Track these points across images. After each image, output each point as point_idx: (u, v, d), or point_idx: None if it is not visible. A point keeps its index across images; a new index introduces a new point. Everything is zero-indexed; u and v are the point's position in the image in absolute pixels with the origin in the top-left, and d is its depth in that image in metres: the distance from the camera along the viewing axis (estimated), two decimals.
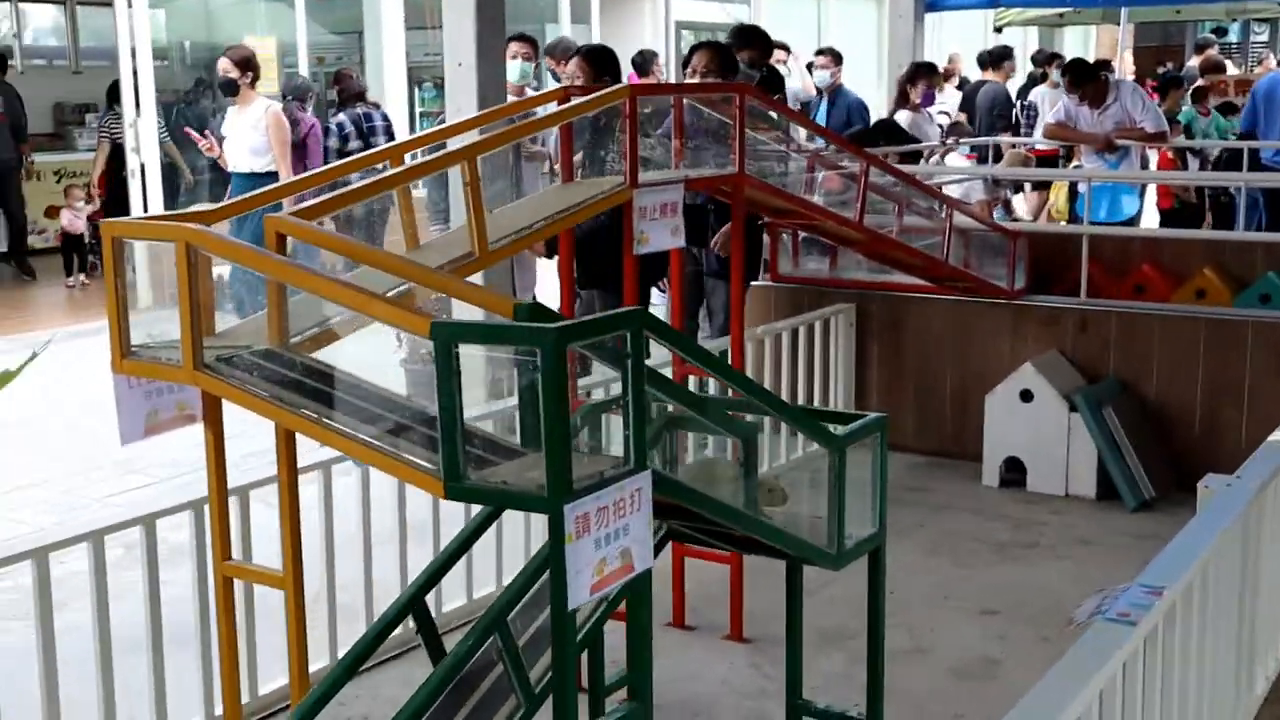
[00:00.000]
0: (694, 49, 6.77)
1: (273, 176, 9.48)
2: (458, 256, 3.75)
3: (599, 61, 6.19)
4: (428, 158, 3.78)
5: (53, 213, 13.78)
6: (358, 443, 2.86)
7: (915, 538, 5.91)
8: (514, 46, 9.99)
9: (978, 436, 6.70)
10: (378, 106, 12.19)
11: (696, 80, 6.20)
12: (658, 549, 3.59)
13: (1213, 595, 3.60)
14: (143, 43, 12.23)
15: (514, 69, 9.74)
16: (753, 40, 7.63)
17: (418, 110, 15.87)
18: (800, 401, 6.88)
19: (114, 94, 12.94)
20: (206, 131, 10.36)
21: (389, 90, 14.63)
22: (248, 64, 9.65)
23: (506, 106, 4.88)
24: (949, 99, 15.74)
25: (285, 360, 3.14)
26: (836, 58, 12.03)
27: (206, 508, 3.58)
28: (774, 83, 8.34)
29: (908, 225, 6.40)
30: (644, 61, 12.08)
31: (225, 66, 9.64)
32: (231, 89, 9.50)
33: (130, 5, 12.16)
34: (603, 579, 2.66)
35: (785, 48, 14.43)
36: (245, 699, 4.36)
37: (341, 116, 11.32)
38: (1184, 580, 3.25)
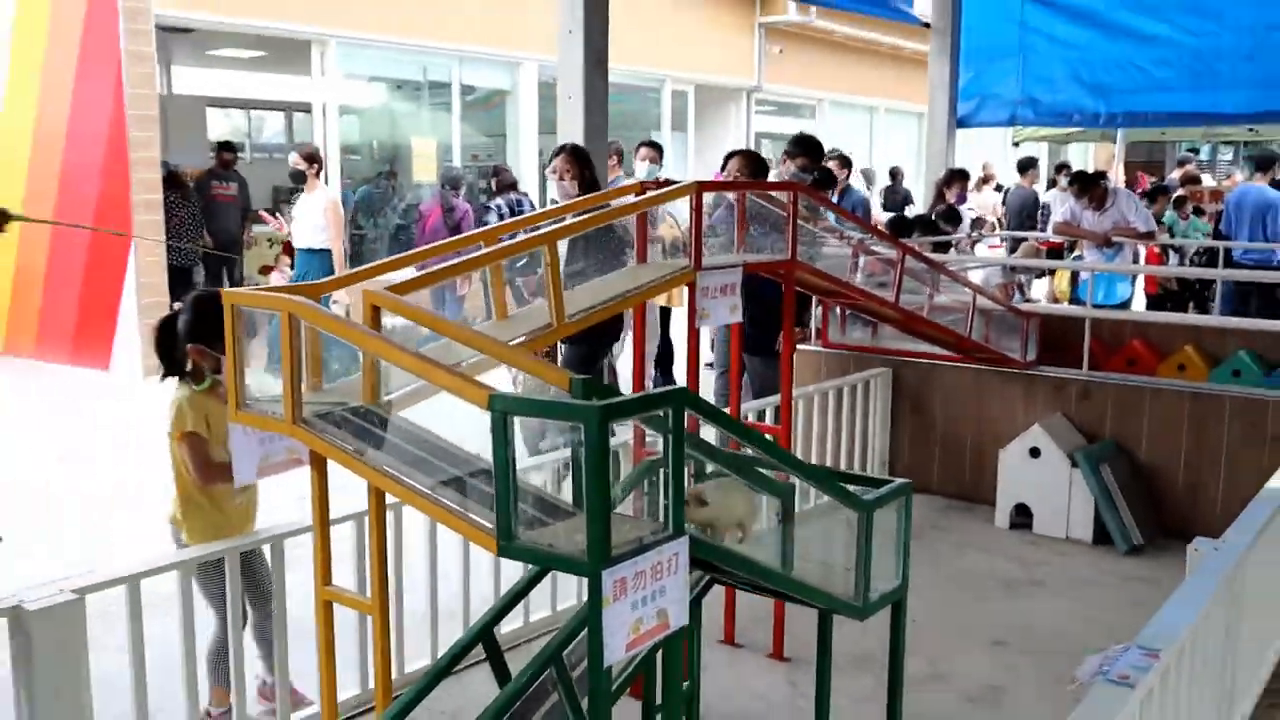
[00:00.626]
0: (729, 155, 6.36)
1: (327, 253, 9.24)
2: (539, 326, 3.37)
3: (581, 157, 5.85)
4: (514, 240, 3.41)
5: (265, 271, 13.69)
6: (425, 498, 2.48)
7: (936, 572, 5.41)
8: (643, 151, 9.69)
9: (992, 484, 6.18)
10: (526, 195, 11.98)
11: (732, 180, 5.84)
12: (701, 595, 3.17)
13: (1201, 652, 3.12)
14: (333, 141, 12.19)
15: (641, 169, 9.49)
16: (807, 149, 7.23)
17: (549, 200, 15.67)
18: (843, 448, 6.43)
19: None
20: (277, 214, 9.98)
21: (524, 183, 14.46)
22: (313, 158, 9.31)
23: (593, 196, 4.50)
24: (987, 199, 15.40)
25: (374, 417, 2.77)
26: (844, 161, 11.70)
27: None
28: (827, 183, 7.93)
29: (937, 305, 5.94)
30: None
31: (296, 160, 9.27)
32: (300, 179, 9.15)
33: (325, 114, 12.15)
34: (638, 637, 2.25)
35: (846, 160, 14.04)
36: (356, 690, 4.03)
37: (498, 200, 11.13)
38: (1178, 643, 2.79)
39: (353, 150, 14.11)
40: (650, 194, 3.89)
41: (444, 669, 3.03)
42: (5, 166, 11.89)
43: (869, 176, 15.94)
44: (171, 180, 11.35)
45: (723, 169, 6.21)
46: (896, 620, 3.16)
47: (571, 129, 6.84)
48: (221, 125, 17.56)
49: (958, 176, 10.80)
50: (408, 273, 3.32)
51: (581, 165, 5.77)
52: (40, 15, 11.46)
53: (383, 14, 12.24)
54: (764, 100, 17.85)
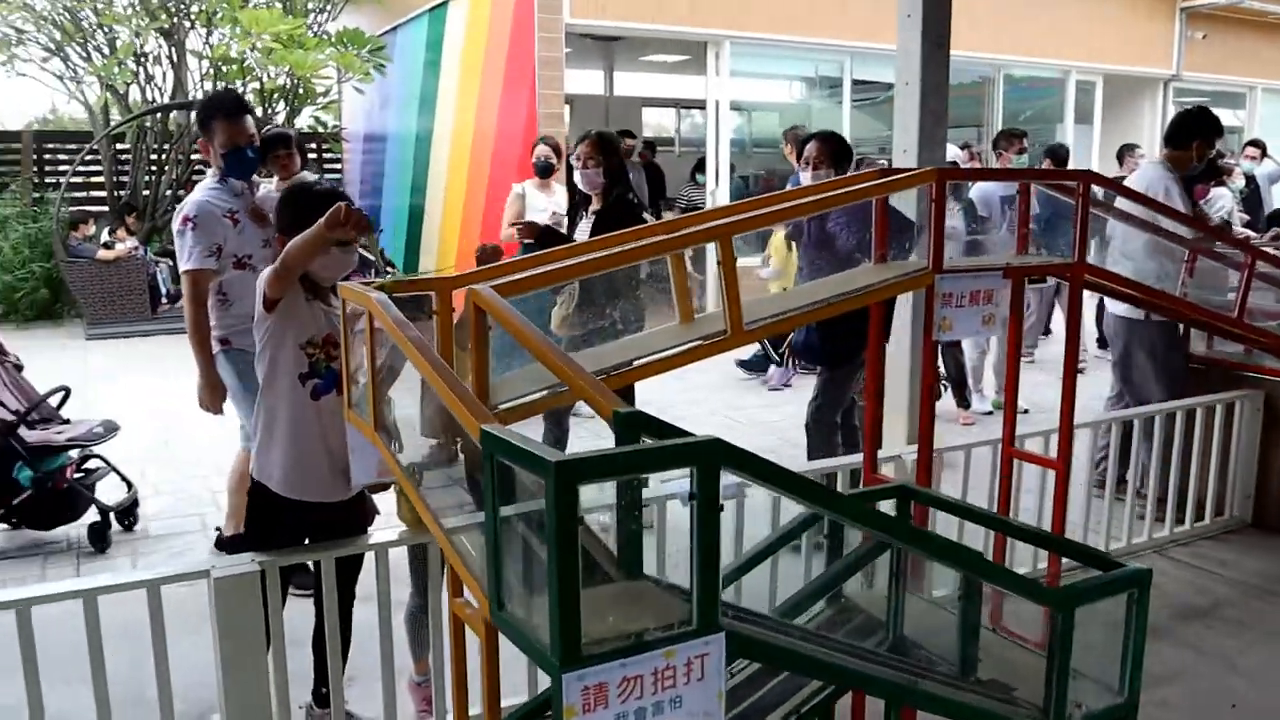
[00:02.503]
0: (807, 138, 4.99)
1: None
2: (712, 333, 2.64)
3: (606, 144, 4.97)
4: (684, 232, 2.67)
5: None
6: (442, 531, 1.86)
7: None
8: (1002, 141, 8.56)
9: None
10: None
11: (809, 169, 4.62)
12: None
13: None
14: (724, 136, 11.86)
15: (994, 158, 8.50)
16: (1200, 128, 5.17)
17: None
18: (1192, 484, 5.05)
19: (697, 167, 12.68)
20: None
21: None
22: (559, 150, 8.47)
23: (812, 187, 3.61)
24: None
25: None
26: (1263, 149, 9.71)
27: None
28: (1214, 172, 6.32)
29: None
30: (1120, 153, 10.00)
31: (546, 152, 8.37)
32: (549, 171, 8.25)
33: (718, 110, 11.83)
34: None
35: (1261, 145, 11.71)
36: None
37: None
38: None
39: (775, 144, 13.78)
40: (882, 180, 3.00)
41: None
42: (456, 154, 12.73)
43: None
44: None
45: (799, 154, 4.87)
46: None
47: (908, 117, 5.89)
48: (657, 122, 17.81)
49: None
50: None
51: (607, 153, 4.95)
52: (480, 30, 12.03)
53: (773, 16, 11.66)
54: (1185, 90, 15.33)
